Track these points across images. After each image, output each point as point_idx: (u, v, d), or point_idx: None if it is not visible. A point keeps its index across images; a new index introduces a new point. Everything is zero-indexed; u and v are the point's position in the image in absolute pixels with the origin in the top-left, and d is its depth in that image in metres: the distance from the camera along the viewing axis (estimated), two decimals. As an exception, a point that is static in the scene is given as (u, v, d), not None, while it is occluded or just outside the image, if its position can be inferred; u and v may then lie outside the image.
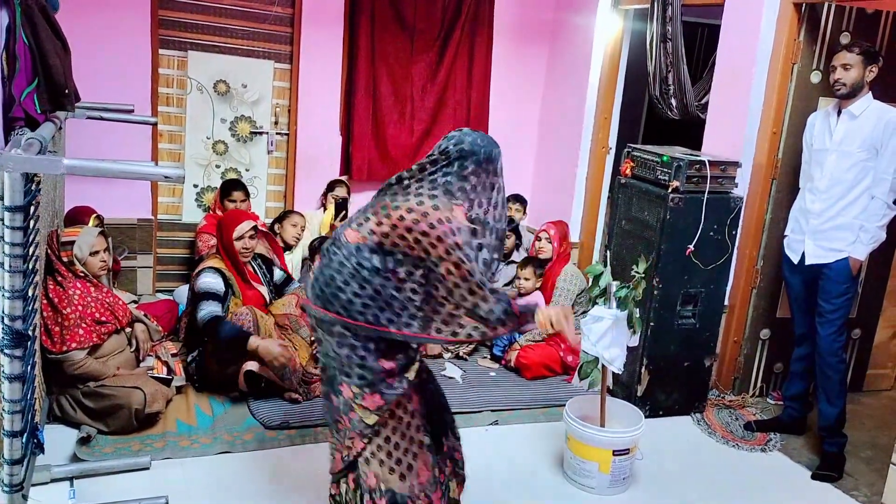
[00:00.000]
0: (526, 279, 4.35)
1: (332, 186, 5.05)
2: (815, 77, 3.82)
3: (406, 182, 2.32)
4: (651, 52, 4.45)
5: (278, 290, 3.96)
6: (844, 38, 3.75)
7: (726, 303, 3.95)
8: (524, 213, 5.39)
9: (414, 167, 2.35)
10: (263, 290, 3.84)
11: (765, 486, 3.30)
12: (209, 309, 3.48)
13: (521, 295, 4.42)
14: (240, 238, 3.66)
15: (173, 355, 3.65)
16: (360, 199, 5.17)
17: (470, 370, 4.17)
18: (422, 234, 2.20)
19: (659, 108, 4.58)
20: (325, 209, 5.00)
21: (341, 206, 4.73)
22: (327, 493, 2.93)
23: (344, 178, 5.19)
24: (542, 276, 4.37)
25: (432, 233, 2.19)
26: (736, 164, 3.71)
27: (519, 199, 5.39)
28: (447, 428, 2.60)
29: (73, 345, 3.16)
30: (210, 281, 3.56)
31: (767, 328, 4.07)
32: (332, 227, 4.68)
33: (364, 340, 2.29)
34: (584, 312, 3.56)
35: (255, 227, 3.74)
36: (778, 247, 3.73)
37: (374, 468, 2.38)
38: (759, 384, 4.15)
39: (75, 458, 2.97)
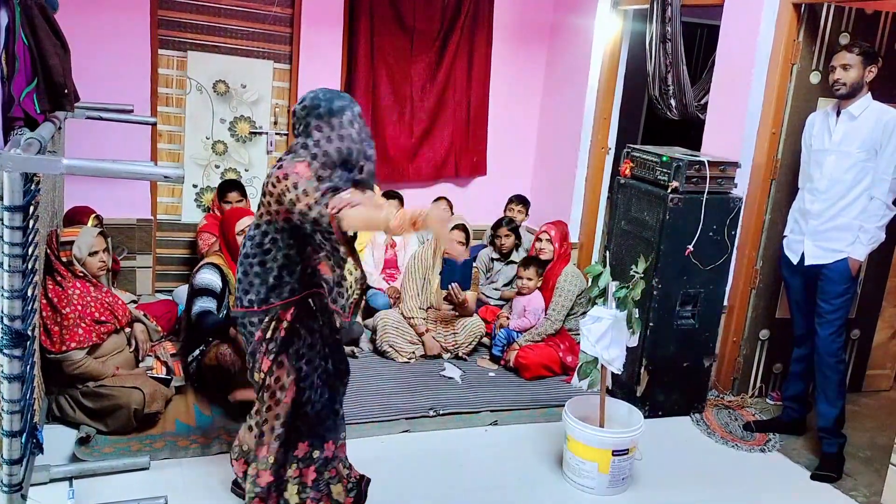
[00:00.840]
0: (529, 279, 4.35)
1: None
2: (815, 77, 3.82)
3: None
4: (650, 53, 4.45)
5: None
6: (844, 39, 3.75)
7: (725, 303, 3.95)
8: (526, 214, 5.37)
9: None
10: None
11: (764, 487, 3.30)
12: (201, 304, 3.51)
13: (521, 294, 4.42)
14: (241, 232, 3.66)
15: (172, 355, 3.64)
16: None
17: (469, 370, 4.17)
18: (269, 195, 2.38)
19: (658, 109, 4.58)
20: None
21: None
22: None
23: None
24: (542, 275, 4.37)
25: (274, 191, 2.35)
26: (735, 165, 3.72)
27: (522, 200, 5.36)
28: (326, 434, 2.65)
29: (73, 344, 3.16)
30: (208, 277, 3.57)
31: (767, 329, 4.08)
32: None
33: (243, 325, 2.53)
34: (584, 313, 3.56)
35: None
36: (777, 247, 3.73)
37: (244, 431, 2.68)
38: (758, 384, 4.15)
39: (74, 458, 2.97)
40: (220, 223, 3.83)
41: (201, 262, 3.70)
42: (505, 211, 5.28)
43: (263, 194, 2.42)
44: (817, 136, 3.43)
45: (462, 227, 4.35)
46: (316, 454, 2.62)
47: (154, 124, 4.53)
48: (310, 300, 2.53)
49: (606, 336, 3.03)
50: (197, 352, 3.59)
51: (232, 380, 3.41)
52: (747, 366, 4.11)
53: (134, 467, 2.95)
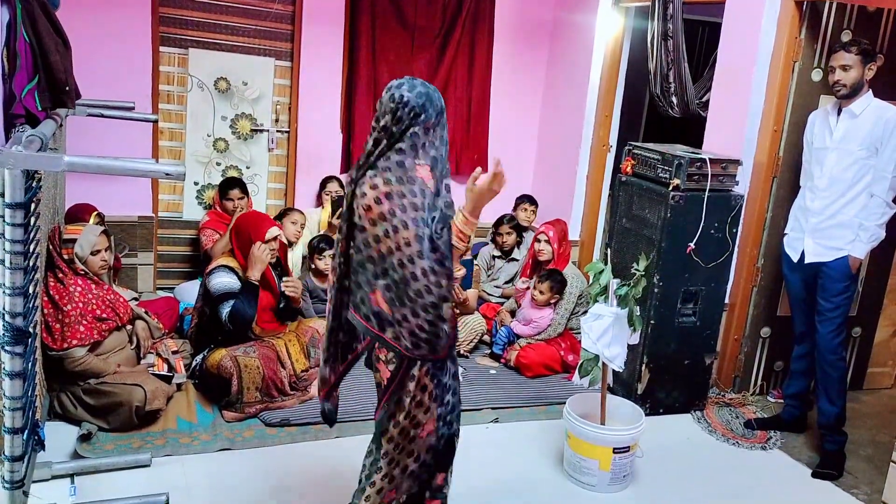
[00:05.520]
0: (541, 293, 4.23)
1: (324, 183, 5.05)
2: (816, 75, 3.81)
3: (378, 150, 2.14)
4: (652, 50, 4.44)
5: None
6: (845, 36, 3.74)
7: (727, 301, 3.95)
8: (534, 214, 5.30)
9: (377, 134, 2.13)
10: (277, 293, 3.79)
11: (765, 484, 3.30)
12: (229, 307, 3.46)
13: (535, 305, 4.34)
14: (268, 241, 3.61)
15: (174, 352, 3.65)
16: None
17: (470, 368, 4.17)
18: (367, 211, 2.07)
19: (660, 106, 4.58)
20: (322, 207, 5.00)
21: (338, 203, 4.72)
22: (326, 489, 2.94)
23: (344, 176, 5.18)
24: (560, 291, 4.24)
25: (373, 209, 2.06)
26: (737, 162, 3.71)
27: (532, 200, 5.32)
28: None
29: (74, 342, 3.16)
30: (225, 280, 3.50)
31: (768, 326, 4.07)
32: (330, 224, 4.68)
33: None
34: (586, 312, 3.56)
35: (276, 237, 3.68)
36: (778, 245, 3.72)
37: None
38: (759, 382, 4.15)
39: (76, 455, 2.97)
40: (237, 227, 3.71)
41: (213, 265, 3.61)
42: (515, 210, 5.26)
43: (353, 198, 2.10)
44: (818, 134, 3.43)
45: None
46: (446, 489, 2.42)
47: (155, 121, 4.52)
48: None
49: (608, 334, 3.03)
50: (201, 356, 3.59)
51: (227, 394, 3.40)
52: (748, 363, 4.11)
53: (135, 464, 2.95)
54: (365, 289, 2.12)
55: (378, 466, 2.27)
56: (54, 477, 2.81)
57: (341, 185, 5.03)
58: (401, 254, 2.04)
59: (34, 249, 2.42)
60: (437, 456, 2.31)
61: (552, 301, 4.26)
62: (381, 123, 2.11)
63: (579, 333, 3.63)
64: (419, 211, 2.05)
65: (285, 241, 4.31)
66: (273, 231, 3.62)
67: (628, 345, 3.13)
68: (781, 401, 3.92)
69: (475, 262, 4.56)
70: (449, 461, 2.39)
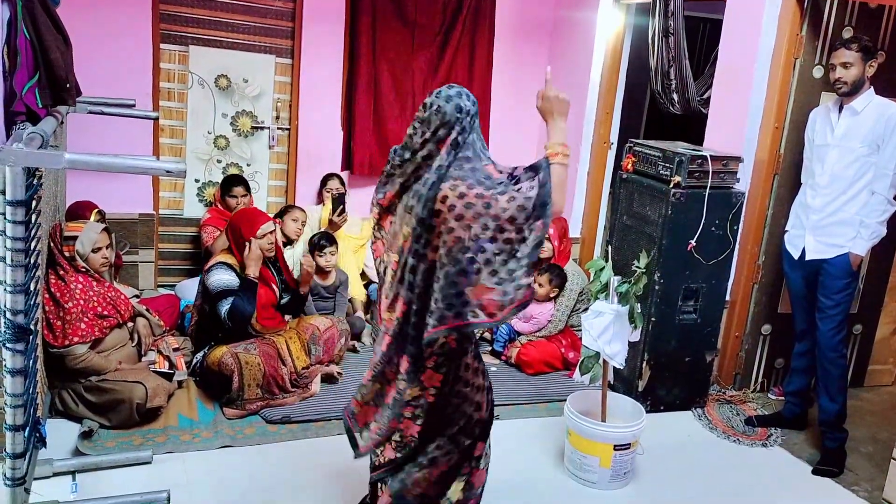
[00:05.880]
0: (540, 285, 4.24)
1: (325, 181, 5.05)
2: (818, 72, 3.81)
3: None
4: (653, 47, 4.44)
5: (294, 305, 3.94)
6: (847, 33, 3.74)
7: (727, 298, 3.95)
8: None
9: (446, 147, 2.14)
10: (276, 289, 3.79)
11: (765, 481, 3.30)
12: (228, 303, 3.46)
13: (534, 299, 4.34)
14: (263, 236, 3.60)
15: (175, 350, 3.65)
16: (356, 194, 5.17)
17: (471, 365, 4.16)
18: (459, 218, 2.08)
19: (661, 103, 4.58)
20: (323, 204, 5.00)
21: (338, 200, 4.72)
22: (327, 486, 2.94)
23: (344, 173, 5.18)
24: (561, 285, 4.26)
25: (466, 213, 2.07)
26: (738, 160, 3.71)
27: None
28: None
29: (75, 339, 3.17)
30: (224, 277, 3.50)
31: (769, 324, 4.07)
32: (331, 222, 4.68)
33: None
34: (586, 309, 3.56)
35: (271, 232, 3.69)
36: (779, 242, 3.72)
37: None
38: (760, 379, 4.15)
39: (77, 453, 2.98)
40: (231, 224, 3.71)
41: (212, 263, 3.62)
42: None
43: (437, 214, 2.08)
44: (819, 131, 3.42)
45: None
46: (486, 456, 2.43)
47: (156, 119, 4.53)
48: None
49: (608, 331, 3.04)
50: (202, 353, 3.59)
51: (228, 391, 3.41)
52: (749, 361, 4.11)
53: (137, 461, 2.95)
54: (466, 291, 2.09)
55: (435, 441, 2.29)
56: (56, 474, 2.81)
57: (342, 183, 5.03)
58: (501, 228, 2.05)
59: (35, 247, 2.42)
60: (480, 425, 2.34)
61: (552, 295, 4.26)
62: (450, 136, 2.12)
63: (580, 330, 3.62)
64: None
65: (280, 237, 4.32)
66: (267, 226, 3.62)
67: (629, 342, 3.13)
68: (782, 398, 3.92)
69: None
70: (489, 429, 2.40)
